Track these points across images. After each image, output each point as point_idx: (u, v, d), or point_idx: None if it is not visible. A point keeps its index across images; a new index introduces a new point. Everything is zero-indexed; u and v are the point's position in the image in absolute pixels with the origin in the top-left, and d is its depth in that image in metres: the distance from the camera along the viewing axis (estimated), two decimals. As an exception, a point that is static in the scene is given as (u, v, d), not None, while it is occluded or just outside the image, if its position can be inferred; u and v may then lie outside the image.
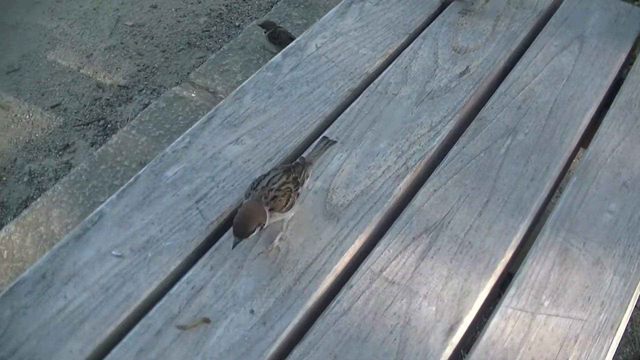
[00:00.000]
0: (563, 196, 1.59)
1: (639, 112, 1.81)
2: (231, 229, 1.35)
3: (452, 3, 2.05)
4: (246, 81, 1.79)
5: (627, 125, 1.77)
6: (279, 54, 1.88)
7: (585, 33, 2.02)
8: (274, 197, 1.35)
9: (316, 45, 1.90)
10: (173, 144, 1.61)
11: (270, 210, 1.34)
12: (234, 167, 1.56)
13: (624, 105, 1.83)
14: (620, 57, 1.96)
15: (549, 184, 1.60)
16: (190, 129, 1.64)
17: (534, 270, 1.44)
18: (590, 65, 1.91)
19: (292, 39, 3.23)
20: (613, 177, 1.64)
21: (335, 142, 1.54)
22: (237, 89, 1.77)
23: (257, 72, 1.82)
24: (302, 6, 3.52)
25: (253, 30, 3.34)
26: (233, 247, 1.33)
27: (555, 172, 1.63)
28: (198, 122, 1.67)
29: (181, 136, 1.63)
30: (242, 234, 1.31)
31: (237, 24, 3.72)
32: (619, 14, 2.10)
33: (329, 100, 1.74)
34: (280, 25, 3.28)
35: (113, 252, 1.38)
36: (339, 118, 1.70)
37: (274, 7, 3.59)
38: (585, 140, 1.78)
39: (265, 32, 3.20)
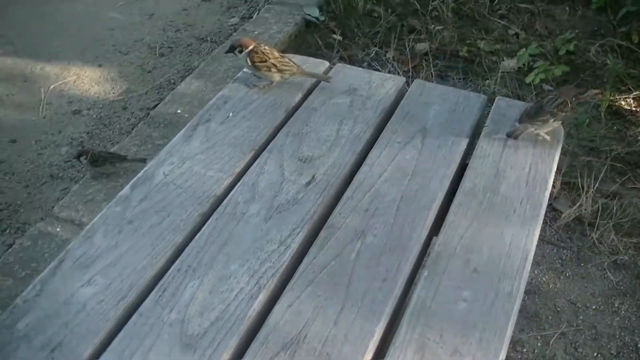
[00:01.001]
0: (416, 292, 1.62)
1: (483, 196, 1.87)
2: None
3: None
4: (95, 218, 1.80)
5: (472, 211, 1.82)
6: (128, 185, 1.89)
7: (427, 125, 2.08)
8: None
9: (164, 172, 1.92)
10: (24, 293, 1.60)
11: None
12: (87, 310, 1.55)
13: (469, 191, 1.89)
14: (462, 144, 2.03)
15: (401, 282, 1.64)
16: (40, 276, 1.63)
17: (392, 372, 1.46)
18: (434, 157, 1.98)
19: (112, 154, 3.31)
20: (463, 264, 1.68)
21: None
22: (87, 227, 1.78)
23: (106, 207, 1.83)
24: (162, 125, 3.56)
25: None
26: None
27: (406, 269, 1.67)
28: (48, 267, 1.66)
29: (31, 284, 1.61)
30: None
31: (99, 150, 3.72)
32: (458, 102, 2.18)
33: (179, 228, 1.76)
34: (94, 148, 3.36)
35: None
36: (190, 245, 1.72)
37: (134, 130, 3.61)
38: (435, 231, 1.83)
39: (84, 161, 3.26)
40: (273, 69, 2.14)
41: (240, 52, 2.17)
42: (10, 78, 4.37)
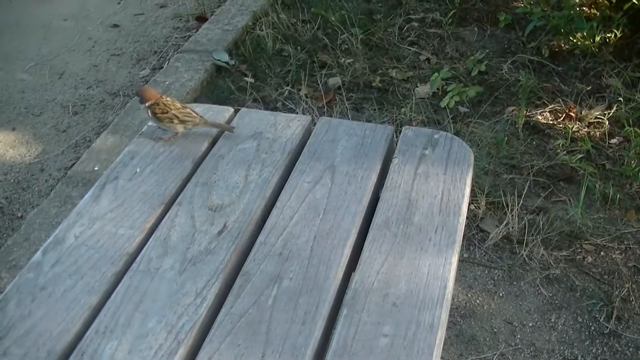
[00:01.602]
0: (336, 332, 1.61)
1: (397, 228, 1.87)
2: None
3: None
4: (8, 288, 1.76)
5: (387, 245, 1.82)
6: (39, 251, 1.85)
7: (335, 162, 2.08)
8: None
9: (75, 235, 1.88)
10: None
11: None
12: (3, 385, 1.52)
13: (382, 224, 1.88)
14: (372, 178, 2.03)
15: (320, 324, 1.62)
16: (-49, 356, 1.59)
17: (316, 417, 1.45)
18: (344, 194, 1.97)
19: None
20: (382, 299, 1.68)
21: None
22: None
23: (18, 276, 1.79)
24: (80, 184, 3.52)
25: (35, 219, 3.31)
26: None
27: (325, 310, 1.65)
28: (-41, 345, 1.62)
29: (-59, 367, 1.57)
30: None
31: (19, 214, 3.66)
32: (365, 136, 2.19)
33: (94, 289, 1.72)
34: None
35: None
36: (106, 306, 1.68)
37: (52, 191, 3.57)
38: (353, 268, 1.82)
39: None
40: (175, 120, 2.13)
41: (141, 102, 2.15)
42: None
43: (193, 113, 2.16)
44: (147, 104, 2.15)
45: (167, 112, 2.12)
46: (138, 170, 2.08)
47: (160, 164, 2.10)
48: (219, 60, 4.67)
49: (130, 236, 1.87)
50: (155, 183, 2.04)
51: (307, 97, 4.30)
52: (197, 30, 5.12)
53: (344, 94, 4.31)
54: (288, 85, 4.46)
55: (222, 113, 2.31)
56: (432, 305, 1.67)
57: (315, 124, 2.27)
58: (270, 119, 2.27)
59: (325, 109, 4.18)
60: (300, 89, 4.41)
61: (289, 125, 2.24)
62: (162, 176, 2.06)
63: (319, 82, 4.43)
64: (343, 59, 4.67)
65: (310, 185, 1.99)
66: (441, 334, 1.62)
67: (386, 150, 2.15)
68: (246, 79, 4.55)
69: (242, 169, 2.07)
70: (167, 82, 4.40)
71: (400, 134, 2.22)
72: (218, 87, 4.49)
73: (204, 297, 1.68)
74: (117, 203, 1.98)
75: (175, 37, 5.25)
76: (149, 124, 2.25)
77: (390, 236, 1.85)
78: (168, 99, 2.16)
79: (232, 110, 2.33)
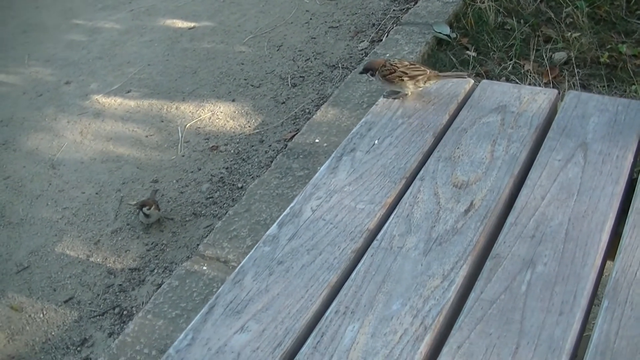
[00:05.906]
0: (597, 325, 1.46)
1: (660, 213, 1.70)
2: None
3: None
4: (244, 260, 1.70)
5: (650, 232, 1.66)
6: (275, 224, 1.79)
7: (587, 139, 1.92)
8: None
9: (311, 208, 1.81)
10: (175, 342, 1.51)
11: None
12: (241, 359, 1.46)
13: (643, 209, 1.72)
14: (628, 157, 1.86)
15: (579, 315, 1.48)
16: (192, 324, 1.54)
17: (581, 417, 1.32)
18: (599, 174, 1.81)
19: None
20: (647, 292, 1.52)
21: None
22: (236, 270, 1.68)
23: (254, 248, 1.73)
24: (301, 156, 3.48)
25: (256, 190, 3.30)
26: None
27: (584, 301, 1.51)
28: (199, 314, 1.57)
29: (183, 333, 1.53)
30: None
31: (239, 185, 3.69)
32: (618, 112, 2.02)
33: (333, 266, 1.64)
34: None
35: None
36: (346, 284, 1.60)
37: (273, 162, 3.56)
38: (610, 256, 1.67)
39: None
40: (405, 78, 2.04)
41: (373, 75, 2.11)
42: (147, 119, 4.42)
43: (422, 67, 2.07)
44: (378, 71, 2.08)
45: (395, 71, 2.05)
46: (376, 142, 1.99)
47: (399, 136, 2.01)
48: (440, 33, 4.54)
49: (370, 211, 1.78)
50: (395, 156, 1.94)
51: (532, 72, 4.11)
52: (416, 3, 5.02)
53: (573, 70, 4.10)
54: (511, 59, 4.29)
55: (462, 85, 2.19)
56: (702, 300, 1.50)
57: (562, 97, 2.12)
58: (514, 92, 2.13)
59: (552, 85, 3.98)
60: (524, 64, 4.23)
61: (534, 99, 2.09)
62: (402, 149, 1.96)
63: (543, 56, 4.24)
64: (569, 33, 4.45)
65: (561, 164, 1.85)
66: None
67: (642, 128, 1.97)
68: (468, 52, 4.42)
69: (487, 143, 1.94)
70: (387, 55, 4.32)
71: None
72: (440, 60, 4.37)
73: (451, 280, 1.57)
74: (355, 176, 1.89)
75: (393, 10, 5.17)
76: (384, 94, 2.16)
77: (653, 223, 1.68)
78: (395, 60, 2.10)
79: (472, 81, 2.21)
